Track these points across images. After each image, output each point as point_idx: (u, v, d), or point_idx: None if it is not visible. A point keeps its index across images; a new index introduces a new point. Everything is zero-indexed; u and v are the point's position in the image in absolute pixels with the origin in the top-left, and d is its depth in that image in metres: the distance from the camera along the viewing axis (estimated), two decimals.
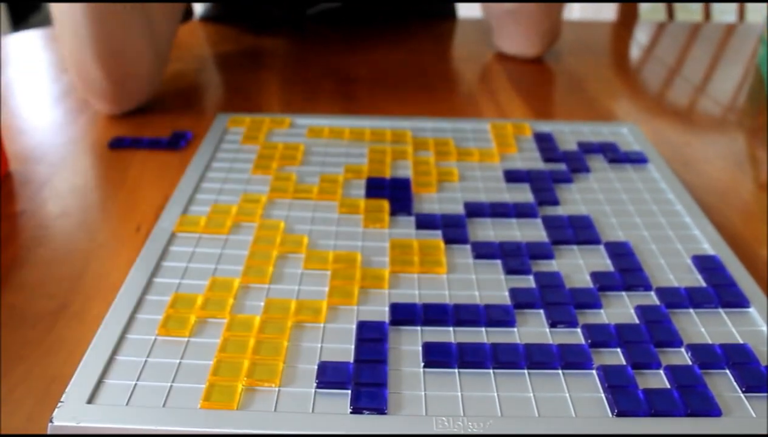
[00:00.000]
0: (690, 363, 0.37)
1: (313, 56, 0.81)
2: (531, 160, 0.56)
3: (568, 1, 0.78)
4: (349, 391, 0.34)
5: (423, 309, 0.39)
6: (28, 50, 0.83)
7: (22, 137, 0.60)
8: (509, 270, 0.43)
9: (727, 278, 0.43)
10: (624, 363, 0.36)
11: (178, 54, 0.79)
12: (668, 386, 0.35)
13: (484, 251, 0.45)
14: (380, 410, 0.33)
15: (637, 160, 0.56)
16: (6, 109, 0.66)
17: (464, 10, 1.04)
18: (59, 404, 0.32)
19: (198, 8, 0.97)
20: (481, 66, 0.80)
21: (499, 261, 0.44)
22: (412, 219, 0.48)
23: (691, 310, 0.40)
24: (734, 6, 1.30)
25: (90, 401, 0.33)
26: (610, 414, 0.33)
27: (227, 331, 0.37)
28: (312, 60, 0.80)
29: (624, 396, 0.34)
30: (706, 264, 0.44)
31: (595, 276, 0.43)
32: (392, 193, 0.51)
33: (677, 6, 1.32)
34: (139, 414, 0.32)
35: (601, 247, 0.46)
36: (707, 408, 0.33)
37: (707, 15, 1.31)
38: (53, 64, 0.79)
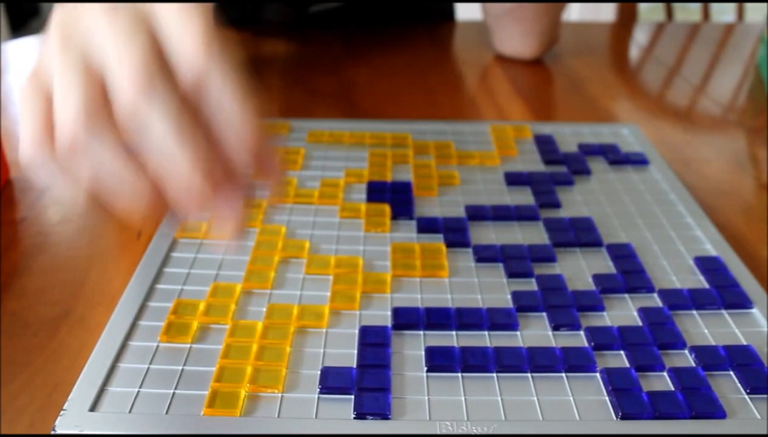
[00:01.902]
0: (694, 365, 0.36)
1: (313, 59, 0.81)
2: (532, 162, 0.56)
3: (568, 1, 0.78)
4: (353, 397, 0.34)
5: (425, 313, 0.39)
6: (28, 56, 0.83)
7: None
8: (511, 274, 0.43)
9: (729, 279, 0.42)
10: (628, 365, 0.36)
11: None
12: (672, 388, 0.35)
13: (485, 254, 0.45)
14: (383, 415, 0.33)
15: (637, 161, 0.56)
16: (6, 116, 0.66)
17: (463, 12, 1.04)
18: (62, 412, 0.32)
19: None
20: (481, 68, 0.80)
21: (501, 265, 0.44)
22: (414, 223, 0.48)
23: (694, 312, 0.40)
24: (733, 6, 1.30)
25: (92, 408, 0.33)
26: (615, 417, 0.33)
27: (230, 337, 0.37)
28: (312, 63, 0.80)
29: (628, 399, 0.34)
30: (709, 265, 0.44)
31: (598, 278, 0.43)
32: (393, 196, 0.51)
33: (676, 6, 1.32)
34: (142, 421, 0.32)
35: (603, 249, 0.46)
36: (712, 410, 0.33)
37: (706, 15, 1.31)
38: None
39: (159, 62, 0.29)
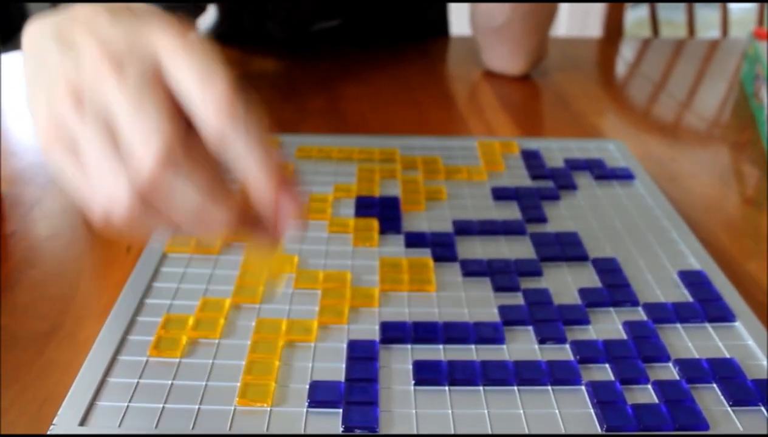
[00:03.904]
0: (677, 377, 0.37)
1: (304, 74, 0.82)
2: (519, 177, 0.57)
3: (562, 0, 0.78)
4: (341, 410, 0.34)
5: (413, 328, 0.40)
6: (18, 70, 0.83)
7: (12, 158, 0.61)
8: (498, 288, 0.43)
9: (713, 293, 0.43)
10: (612, 378, 0.37)
11: None
12: (656, 401, 0.35)
13: (472, 269, 0.45)
14: (371, 429, 0.33)
15: (623, 176, 0.57)
16: None
17: (457, 28, 1.05)
18: (51, 427, 0.33)
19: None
20: (470, 84, 0.81)
21: (487, 279, 0.44)
22: (402, 237, 0.49)
23: (678, 325, 0.41)
24: (717, 19, 1.32)
25: (82, 423, 0.33)
26: (600, 430, 0.34)
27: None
28: (302, 78, 0.81)
29: (613, 412, 0.34)
30: (693, 279, 0.44)
31: (583, 292, 0.43)
32: (381, 211, 0.51)
33: (662, 21, 1.34)
34: (131, 436, 0.32)
35: (589, 264, 0.46)
36: (695, 422, 0.34)
37: (691, 31, 1.33)
38: None
39: (177, 121, 0.29)
